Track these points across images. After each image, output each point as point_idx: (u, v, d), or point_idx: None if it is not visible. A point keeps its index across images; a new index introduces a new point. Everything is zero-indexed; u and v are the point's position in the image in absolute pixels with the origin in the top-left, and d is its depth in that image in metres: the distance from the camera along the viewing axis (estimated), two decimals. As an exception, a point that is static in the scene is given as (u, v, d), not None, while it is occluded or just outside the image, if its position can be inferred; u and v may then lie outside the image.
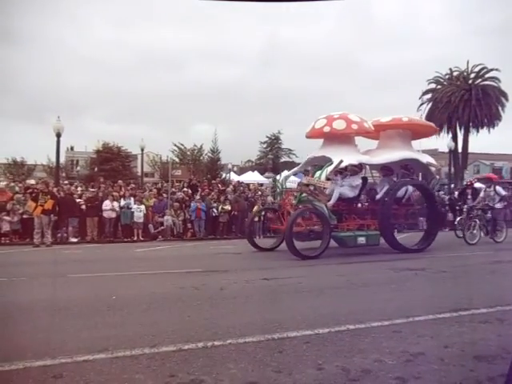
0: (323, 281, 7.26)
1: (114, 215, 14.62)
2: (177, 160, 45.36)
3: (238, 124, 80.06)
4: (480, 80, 34.86)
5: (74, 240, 14.15)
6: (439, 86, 36.05)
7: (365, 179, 11.59)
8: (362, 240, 10.42)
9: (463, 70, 35.57)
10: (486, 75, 34.68)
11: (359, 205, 11.60)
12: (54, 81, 74.77)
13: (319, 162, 11.31)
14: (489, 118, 33.52)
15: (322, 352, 3.50)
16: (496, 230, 13.02)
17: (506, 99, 33.60)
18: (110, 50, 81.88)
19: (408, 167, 11.87)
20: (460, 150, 34.88)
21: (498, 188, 13.35)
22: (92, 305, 5.31)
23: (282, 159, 50.88)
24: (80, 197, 15.14)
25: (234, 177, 29.82)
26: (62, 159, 36.64)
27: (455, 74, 35.97)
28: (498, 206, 13.15)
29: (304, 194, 10.19)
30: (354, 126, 11.09)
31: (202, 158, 45.24)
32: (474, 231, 12.51)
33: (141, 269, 8.29)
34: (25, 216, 13.71)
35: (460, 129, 34.97)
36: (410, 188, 11.62)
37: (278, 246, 11.26)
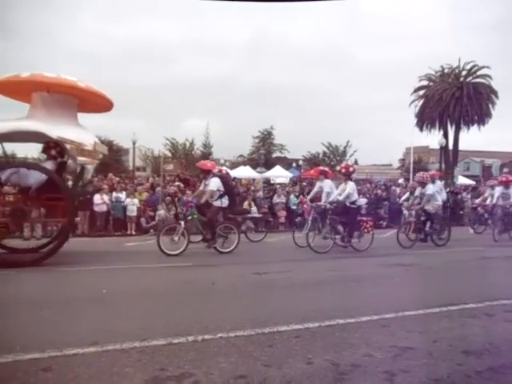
0: (313, 276, 7.27)
1: (105, 209, 14.57)
2: (169, 154, 45.32)
3: (229, 118, 79.95)
4: (471, 77, 35.15)
5: (65, 233, 14.04)
6: (431, 83, 36.29)
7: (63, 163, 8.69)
8: None
9: (455, 67, 35.84)
10: (478, 73, 34.98)
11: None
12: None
13: None
14: (479, 115, 33.86)
15: (311, 346, 3.52)
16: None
17: (497, 97, 33.97)
18: (100, 43, 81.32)
19: (53, 146, 8.54)
20: (451, 147, 35.17)
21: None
22: (82, 298, 5.28)
23: (275, 154, 50.84)
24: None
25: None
26: (53, 152, 36.28)
27: (447, 71, 36.22)
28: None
29: None
30: None
31: (193, 152, 45.27)
32: (176, 238, 9.32)
33: (131, 262, 8.26)
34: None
35: (451, 126, 35.26)
36: (44, 176, 8.21)
37: None
